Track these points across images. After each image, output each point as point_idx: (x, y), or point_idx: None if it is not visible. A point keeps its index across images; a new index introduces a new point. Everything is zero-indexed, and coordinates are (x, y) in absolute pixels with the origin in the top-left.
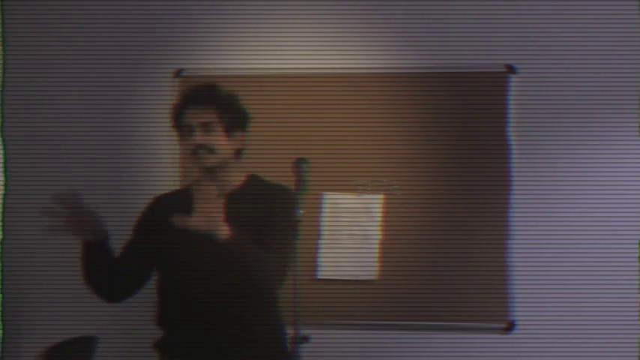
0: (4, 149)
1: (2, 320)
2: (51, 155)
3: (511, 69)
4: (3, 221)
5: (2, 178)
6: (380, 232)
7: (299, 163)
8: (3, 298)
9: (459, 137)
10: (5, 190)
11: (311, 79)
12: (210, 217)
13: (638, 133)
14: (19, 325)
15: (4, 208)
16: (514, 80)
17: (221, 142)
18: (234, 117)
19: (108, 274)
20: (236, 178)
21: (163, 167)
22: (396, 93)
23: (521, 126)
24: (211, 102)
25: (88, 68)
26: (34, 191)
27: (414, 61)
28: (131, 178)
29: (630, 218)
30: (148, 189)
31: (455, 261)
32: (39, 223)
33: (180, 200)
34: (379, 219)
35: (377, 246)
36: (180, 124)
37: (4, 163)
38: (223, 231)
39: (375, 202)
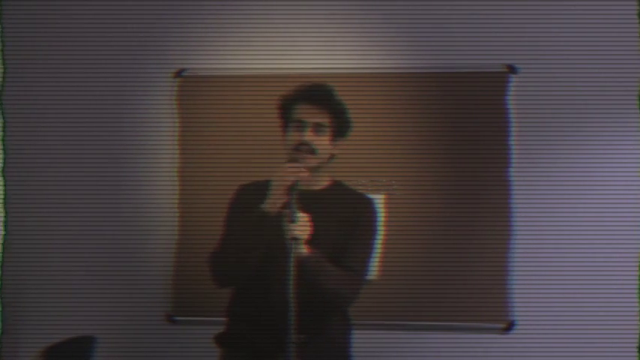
0: (5, 149)
1: (1, 319)
2: (51, 155)
3: (512, 69)
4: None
5: (2, 179)
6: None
7: (292, 186)
8: (2, 297)
9: (459, 137)
10: (5, 190)
11: (311, 79)
12: (305, 227)
13: (638, 133)
14: (18, 324)
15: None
16: (514, 80)
17: (325, 146)
18: (344, 125)
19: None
20: (323, 180)
21: (163, 167)
22: (396, 93)
23: (522, 126)
24: (328, 105)
25: (89, 68)
26: (34, 191)
27: (414, 61)
28: (131, 178)
29: (630, 218)
30: (148, 189)
31: (454, 261)
32: (38, 223)
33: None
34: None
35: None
36: (289, 117)
37: (4, 163)
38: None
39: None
